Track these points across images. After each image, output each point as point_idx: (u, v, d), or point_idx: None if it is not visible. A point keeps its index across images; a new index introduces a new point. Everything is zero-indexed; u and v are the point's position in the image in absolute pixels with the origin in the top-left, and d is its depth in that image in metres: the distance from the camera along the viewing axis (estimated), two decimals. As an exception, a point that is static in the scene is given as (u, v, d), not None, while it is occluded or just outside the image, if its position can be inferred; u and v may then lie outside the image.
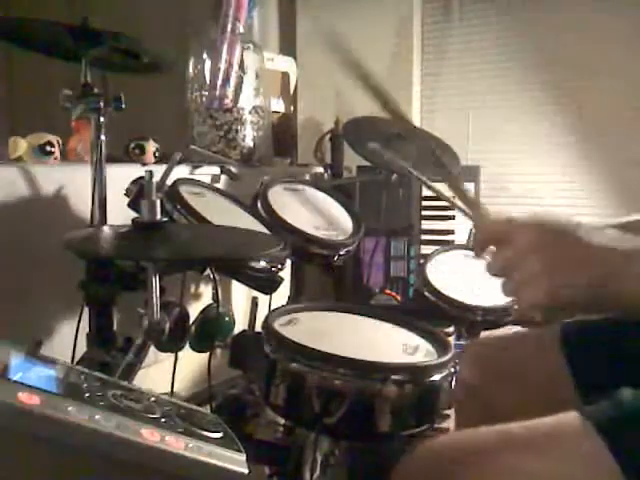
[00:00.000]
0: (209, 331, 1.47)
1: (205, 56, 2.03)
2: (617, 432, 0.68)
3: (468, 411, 1.05)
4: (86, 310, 1.30)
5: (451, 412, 1.11)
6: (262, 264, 1.34)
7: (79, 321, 1.29)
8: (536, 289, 0.72)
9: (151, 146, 1.75)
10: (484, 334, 1.50)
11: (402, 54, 2.54)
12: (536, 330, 1.12)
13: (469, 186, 2.30)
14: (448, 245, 1.92)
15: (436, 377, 1.02)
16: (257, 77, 2.09)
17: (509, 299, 1.54)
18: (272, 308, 1.37)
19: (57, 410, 0.64)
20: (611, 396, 0.73)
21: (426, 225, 2.30)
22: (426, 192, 2.31)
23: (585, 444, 0.69)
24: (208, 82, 2.02)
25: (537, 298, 0.72)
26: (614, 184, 2.28)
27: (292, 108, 2.47)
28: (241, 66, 2.03)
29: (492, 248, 0.79)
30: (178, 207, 1.33)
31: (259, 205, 1.51)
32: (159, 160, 1.75)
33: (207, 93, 2.02)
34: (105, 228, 1.29)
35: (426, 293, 1.55)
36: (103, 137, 1.30)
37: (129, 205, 1.36)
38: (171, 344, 1.33)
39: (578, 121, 2.29)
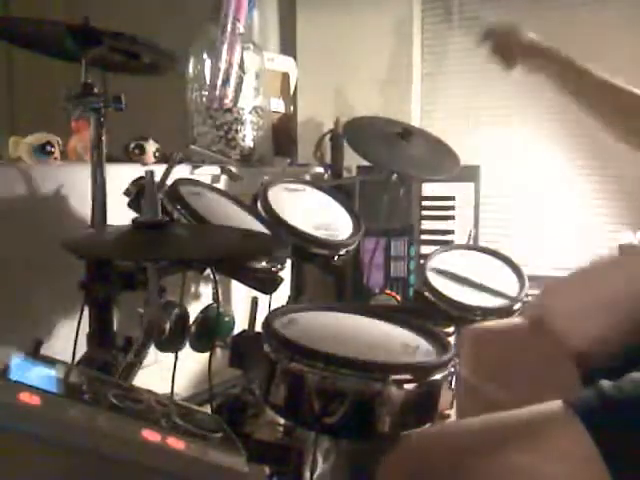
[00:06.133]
0: (209, 331, 1.47)
1: (205, 56, 2.03)
2: (599, 421, 0.69)
3: (469, 409, 1.06)
4: (86, 310, 1.30)
5: (451, 412, 1.11)
6: (262, 264, 1.34)
7: (79, 321, 1.29)
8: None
9: (151, 146, 1.75)
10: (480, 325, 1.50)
11: (402, 54, 2.53)
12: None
13: (469, 186, 2.30)
14: (448, 245, 1.92)
15: (436, 377, 1.02)
16: (257, 77, 2.09)
17: (508, 299, 1.55)
18: (272, 308, 1.37)
19: (57, 410, 0.64)
20: (594, 386, 0.74)
21: (426, 225, 2.30)
22: (426, 192, 2.31)
23: (568, 434, 0.70)
24: (208, 82, 2.02)
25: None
26: (618, 179, 2.28)
27: (292, 108, 2.47)
28: (241, 66, 2.03)
29: None
30: (178, 207, 1.33)
31: (259, 205, 1.51)
32: (159, 160, 1.75)
33: (207, 93, 2.02)
34: (105, 228, 1.29)
35: (426, 293, 1.56)
36: (103, 137, 1.31)
37: (129, 205, 1.36)
38: (171, 344, 1.33)
39: (581, 119, 2.29)
